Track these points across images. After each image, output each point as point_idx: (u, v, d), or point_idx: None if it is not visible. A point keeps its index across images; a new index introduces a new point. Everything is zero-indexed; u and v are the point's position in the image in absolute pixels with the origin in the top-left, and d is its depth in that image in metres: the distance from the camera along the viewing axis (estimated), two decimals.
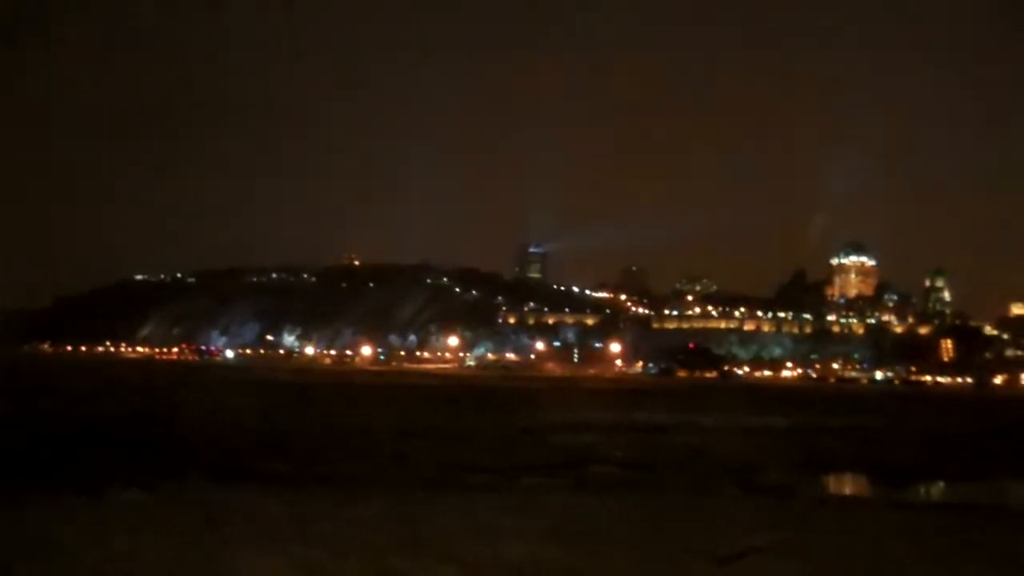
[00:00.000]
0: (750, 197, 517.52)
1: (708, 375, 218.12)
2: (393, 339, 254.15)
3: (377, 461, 23.93)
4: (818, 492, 22.90)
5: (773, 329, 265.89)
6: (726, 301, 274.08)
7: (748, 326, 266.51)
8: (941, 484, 24.40)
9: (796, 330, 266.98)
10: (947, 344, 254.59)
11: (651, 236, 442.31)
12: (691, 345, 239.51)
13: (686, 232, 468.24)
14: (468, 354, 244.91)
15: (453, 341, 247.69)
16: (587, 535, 13.66)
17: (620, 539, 13.51)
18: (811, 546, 13.51)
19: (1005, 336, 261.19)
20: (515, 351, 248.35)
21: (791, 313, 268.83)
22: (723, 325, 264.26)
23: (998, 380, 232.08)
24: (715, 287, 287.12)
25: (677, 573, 11.57)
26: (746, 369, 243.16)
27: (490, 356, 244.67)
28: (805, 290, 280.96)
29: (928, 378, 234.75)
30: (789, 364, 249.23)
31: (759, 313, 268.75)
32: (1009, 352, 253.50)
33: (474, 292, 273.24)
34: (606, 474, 23.00)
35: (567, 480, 21.71)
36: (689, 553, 12.52)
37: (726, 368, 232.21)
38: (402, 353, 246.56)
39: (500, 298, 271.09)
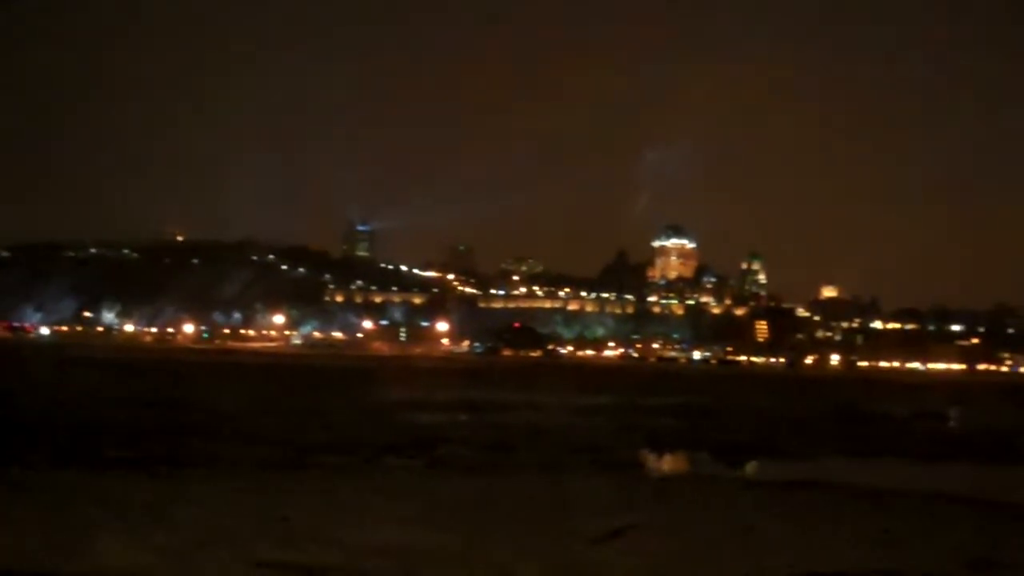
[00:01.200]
0: (574, 178, 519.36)
1: (533, 354, 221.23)
2: (217, 317, 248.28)
3: (230, 442, 23.20)
4: (667, 469, 23.34)
5: (596, 309, 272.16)
6: (551, 281, 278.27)
7: (572, 306, 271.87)
8: (777, 461, 25.20)
9: (619, 310, 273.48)
10: (761, 325, 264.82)
11: (478, 215, 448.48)
12: (516, 325, 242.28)
13: (512, 212, 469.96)
14: (294, 332, 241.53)
15: (279, 319, 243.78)
16: (458, 518, 13.56)
17: (492, 521, 13.47)
18: (681, 523, 13.77)
19: (816, 318, 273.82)
20: (342, 330, 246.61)
21: (614, 294, 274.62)
22: (548, 305, 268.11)
23: (808, 360, 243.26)
24: (541, 267, 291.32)
25: (555, 554, 11.56)
26: (570, 348, 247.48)
27: (316, 334, 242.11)
28: (627, 271, 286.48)
29: (743, 358, 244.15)
30: (612, 344, 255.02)
31: (583, 293, 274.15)
32: (820, 333, 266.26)
33: (301, 270, 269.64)
34: (458, 455, 22.83)
35: (421, 461, 21.50)
36: (563, 533, 12.55)
37: (551, 347, 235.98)
38: (226, 331, 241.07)
39: (327, 276, 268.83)
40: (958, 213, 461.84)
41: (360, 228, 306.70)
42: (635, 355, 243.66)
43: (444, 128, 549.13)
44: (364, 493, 15.59)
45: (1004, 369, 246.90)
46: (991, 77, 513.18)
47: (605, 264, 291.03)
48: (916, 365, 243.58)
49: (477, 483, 17.48)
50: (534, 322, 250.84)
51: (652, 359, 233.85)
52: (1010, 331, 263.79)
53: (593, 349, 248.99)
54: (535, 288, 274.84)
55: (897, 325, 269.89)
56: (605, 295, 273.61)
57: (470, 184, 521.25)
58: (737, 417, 40.70)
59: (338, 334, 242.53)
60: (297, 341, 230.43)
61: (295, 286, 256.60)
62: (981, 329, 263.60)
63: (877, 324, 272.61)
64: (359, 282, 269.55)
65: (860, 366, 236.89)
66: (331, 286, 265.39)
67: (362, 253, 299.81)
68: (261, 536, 11.84)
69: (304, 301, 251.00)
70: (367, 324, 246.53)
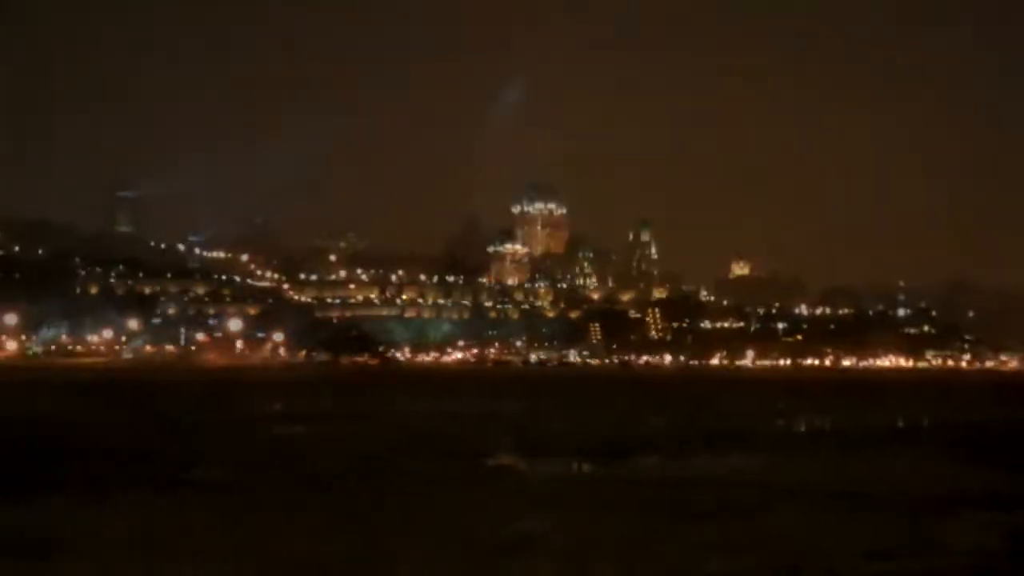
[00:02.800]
0: (409, 134, 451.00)
1: (372, 362, 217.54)
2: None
3: (114, 460, 22.63)
4: (549, 471, 23.78)
5: (440, 297, 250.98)
6: (377, 262, 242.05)
7: (410, 294, 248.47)
8: (650, 459, 26.03)
9: (468, 300, 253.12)
10: (595, 328, 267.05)
11: (275, 177, 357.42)
12: (352, 334, 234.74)
13: (322, 175, 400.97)
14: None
15: (107, 334, 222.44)
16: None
17: (416, 532, 13.68)
18: (586, 525, 14.28)
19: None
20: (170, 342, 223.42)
21: (450, 298, 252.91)
22: (384, 312, 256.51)
23: (642, 360, 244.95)
24: (365, 243, 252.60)
25: (471, 560, 11.82)
26: (407, 354, 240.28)
27: (148, 348, 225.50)
28: (463, 274, 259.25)
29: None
30: (460, 343, 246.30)
31: (420, 300, 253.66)
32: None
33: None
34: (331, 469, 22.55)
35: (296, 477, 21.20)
36: (472, 542, 12.86)
37: (388, 354, 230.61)
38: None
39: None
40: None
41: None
42: (489, 361, 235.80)
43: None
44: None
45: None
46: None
47: (450, 238, 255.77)
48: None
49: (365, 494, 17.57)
50: (369, 326, 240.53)
51: (490, 364, 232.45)
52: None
53: (437, 352, 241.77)
54: (358, 271, 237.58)
55: (724, 323, 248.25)
56: (442, 301, 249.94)
57: (268, 142, 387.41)
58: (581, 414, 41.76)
59: (170, 347, 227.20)
60: (128, 355, 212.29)
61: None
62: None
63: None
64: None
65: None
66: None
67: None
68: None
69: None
70: (200, 336, 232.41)
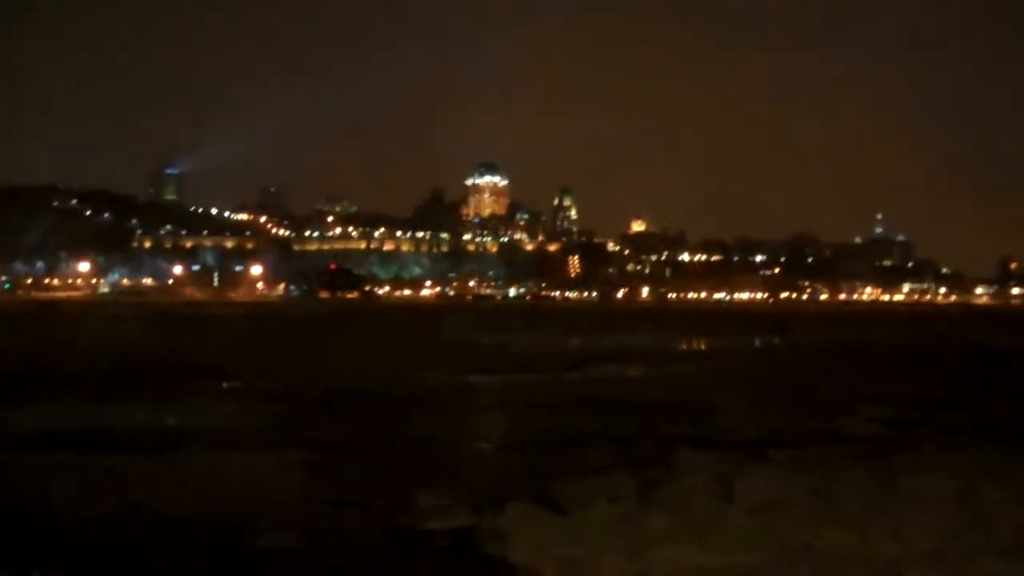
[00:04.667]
0: (388, 118, 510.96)
1: (350, 296, 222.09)
2: (18, 266, 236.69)
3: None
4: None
5: (412, 248, 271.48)
6: (366, 221, 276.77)
7: (388, 246, 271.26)
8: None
9: (434, 249, 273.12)
10: (573, 260, 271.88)
11: (290, 156, 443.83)
12: (332, 266, 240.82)
13: (325, 150, 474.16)
14: (102, 280, 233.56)
15: (84, 267, 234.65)
16: None
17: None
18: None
19: (626, 252, 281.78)
20: (152, 276, 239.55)
21: (429, 233, 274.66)
22: (363, 246, 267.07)
23: (619, 294, 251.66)
24: (355, 208, 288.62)
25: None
26: (387, 289, 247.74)
27: (125, 282, 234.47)
28: (442, 210, 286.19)
29: (556, 293, 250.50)
30: (428, 283, 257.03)
31: (398, 233, 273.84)
32: (629, 267, 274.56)
33: (106, 215, 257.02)
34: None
35: None
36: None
37: (368, 288, 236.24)
38: (29, 281, 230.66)
39: (135, 221, 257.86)
40: (757, 148, 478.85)
41: (168, 171, 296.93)
42: (451, 293, 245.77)
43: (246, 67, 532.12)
44: None
45: (804, 297, 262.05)
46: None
47: (419, 203, 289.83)
48: (722, 296, 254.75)
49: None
50: (349, 263, 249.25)
51: (469, 297, 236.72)
52: (809, 260, 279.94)
53: (410, 289, 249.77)
54: (350, 229, 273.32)
55: (703, 256, 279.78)
56: (420, 234, 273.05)
57: (281, 126, 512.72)
58: None
59: (148, 280, 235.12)
60: (105, 289, 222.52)
61: (100, 232, 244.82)
62: (783, 258, 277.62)
63: (684, 256, 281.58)
64: (168, 227, 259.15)
65: (670, 298, 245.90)
66: (139, 231, 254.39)
67: (170, 197, 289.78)
68: None
69: (110, 247, 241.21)
70: (177, 270, 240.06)
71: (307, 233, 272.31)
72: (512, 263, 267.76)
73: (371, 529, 11.65)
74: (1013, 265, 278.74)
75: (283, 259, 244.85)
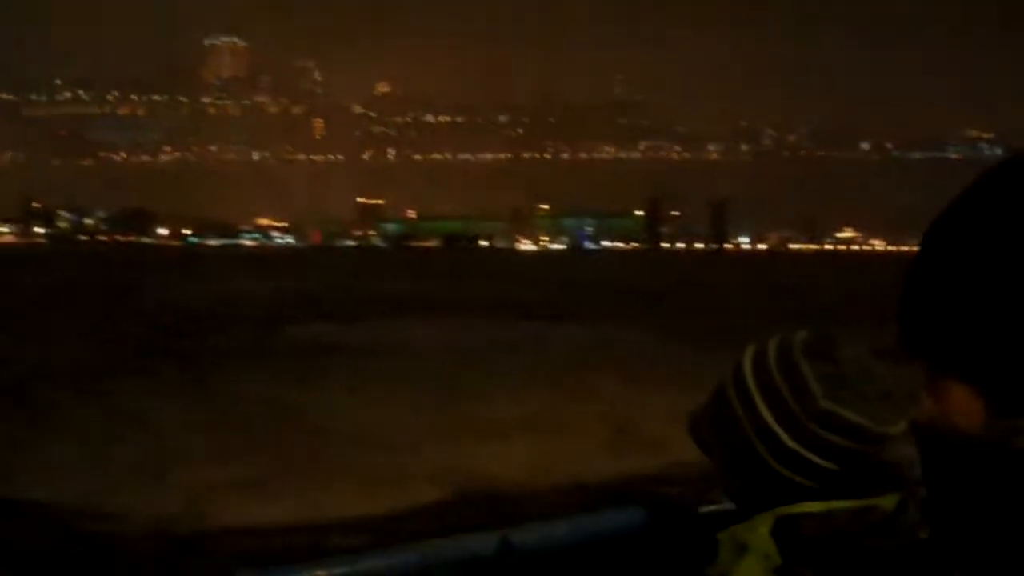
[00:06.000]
0: None
1: (84, 163, 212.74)
2: None
3: None
4: None
5: (147, 113, 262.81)
6: (99, 85, 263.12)
7: (122, 110, 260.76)
8: None
9: (173, 112, 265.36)
10: (319, 123, 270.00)
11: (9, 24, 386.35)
12: (62, 132, 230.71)
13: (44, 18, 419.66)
14: None
15: None
16: None
17: None
18: None
19: (372, 115, 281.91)
20: None
21: (167, 96, 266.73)
22: (95, 110, 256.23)
23: (366, 156, 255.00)
24: (90, 71, 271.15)
25: None
26: (123, 155, 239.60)
27: None
28: (179, 72, 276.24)
29: (302, 156, 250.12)
30: (167, 148, 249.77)
31: (134, 97, 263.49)
32: (376, 129, 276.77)
33: None
34: None
35: None
36: None
37: (101, 154, 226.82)
38: None
39: None
40: (501, 13, 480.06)
41: None
42: (193, 158, 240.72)
43: None
44: None
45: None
46: None
47: (155, 66, 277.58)
48: (467, 155, 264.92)
49: None
50: (82, 128, 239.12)
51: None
52: (551, 120, 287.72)
53: (149, 155, 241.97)
54: (80, 92, 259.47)
55: (448, 118, 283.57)
56: (156, 98, 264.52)
57: None
58: None
59: None
60: None
61: None
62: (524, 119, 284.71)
63: (429, 118, 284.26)
64: None
65: (416, 159, 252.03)
66: None
67: None
68: None
69: None
70: None
71: (33, 96, 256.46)
72: (254, 126, 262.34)
73: None
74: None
75: (9, 125, 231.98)
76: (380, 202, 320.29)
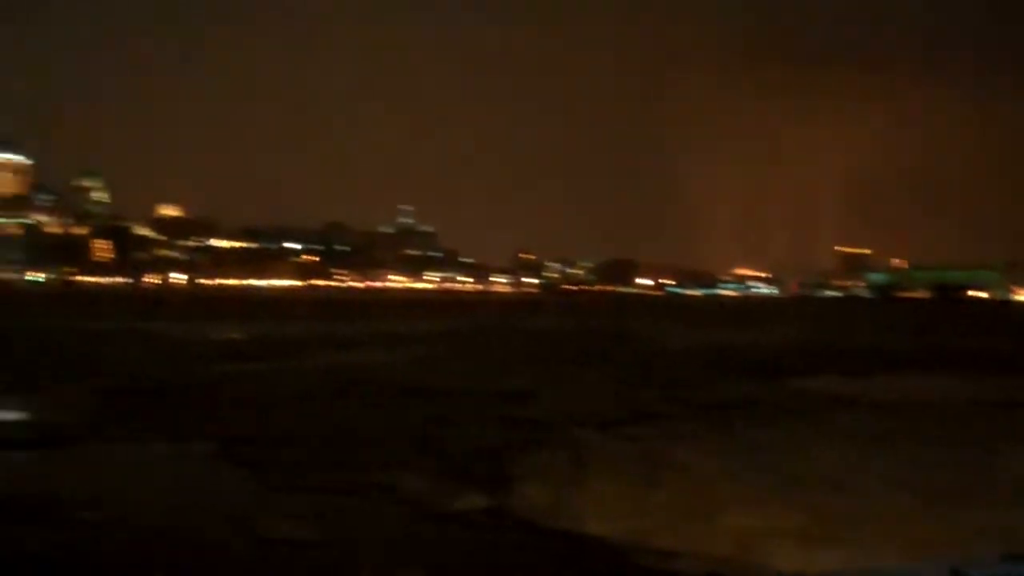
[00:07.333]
0: None
1: None
2: None
3: None
4: None
5: None
6: None
7: None
8: None
9: None
10: (102, 244, 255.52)
11: None
12: None
13: None
14: None
15: None
16: None
17: None
18: None
19: (160, 237, 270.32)
20: None
21: None
22: None
23: (150, 279, 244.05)
24: None
25: None
26: None
27: None
28: None
29: (86, 278, 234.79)
30: None
31: None
32: (163, 252, 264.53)
33: None
34: None
35: None
36: None
37: None
38: None
39: None
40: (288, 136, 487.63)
41: None
42: None
43: None
44: None
45: (338, 284, 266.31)
46: None
47: None
48: (256, 282, 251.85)
49: None
50: None
51: None
52: (343, 248, 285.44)
53: None
54: None
55: (238, 243, 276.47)
56: None
57: None
58: None
59: None
60: None
61: None
62: (317, 247, 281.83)
63: (219, 243, 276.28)
64: None
65: (204, 284, 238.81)
66: None
67: None
68: None
69: None
70: None
71: None
72: (34, 246, 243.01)
73: (397, 515, 11.85)
74: (523, 256, 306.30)
75: None
76: (866, 251, 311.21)
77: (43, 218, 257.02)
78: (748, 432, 17.17)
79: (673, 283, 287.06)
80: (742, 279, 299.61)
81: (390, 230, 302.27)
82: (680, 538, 10.40)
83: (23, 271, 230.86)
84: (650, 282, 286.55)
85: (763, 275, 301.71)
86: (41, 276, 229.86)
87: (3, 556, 9.91)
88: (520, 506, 11.69)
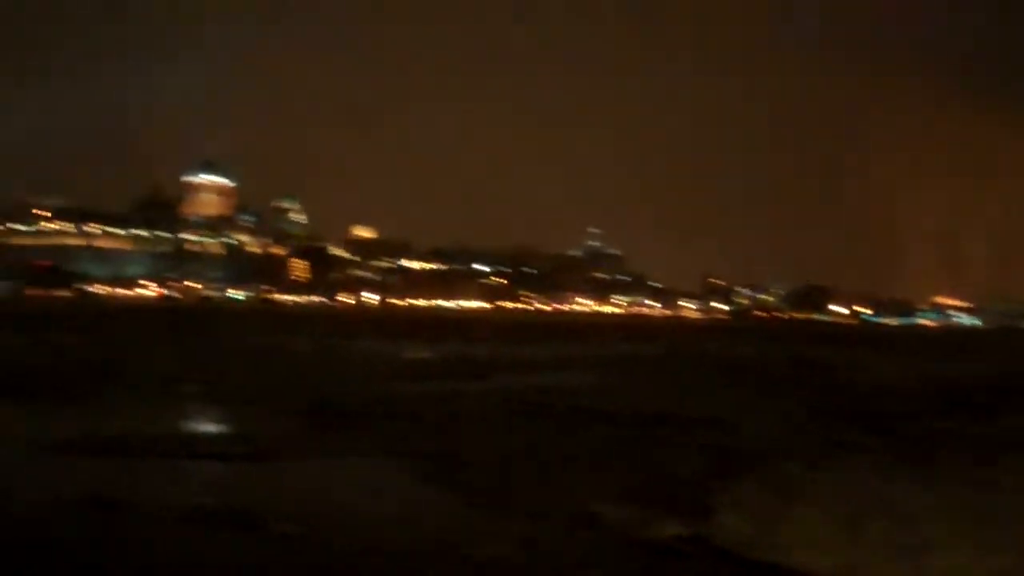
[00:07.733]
0: (86, 102, 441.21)
1: (61, 294, 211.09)
2: None
3: None
4: None
5: (130, 247, 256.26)
6: (80, 217, 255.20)
7: (105, 243, 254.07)
8: None
9: (153, 248, 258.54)
10: (298, 264, 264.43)
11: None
12: (44, 263, 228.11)
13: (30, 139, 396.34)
14: None
15: None
16: None
17: None
18: None
19: (353, 257, 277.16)
20: None
21: (148, 231, 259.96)
22: (76, 242, 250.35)
23: (344, 298, 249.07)
24: (63, 201, 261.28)
25: None
26: (99, 287, 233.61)
27: None
28: (160, 207, 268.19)
29: (283, 297, 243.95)
30: (146, 283, 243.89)
31: (117, 230, 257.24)
32: (356, 272, 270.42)
33: None
34: None
35: None
36: None
37: (79, 286, 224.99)
38: None
39: None
40: (480, 160, 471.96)
41: None
42: (178, 295, 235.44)
43: None
44: None
45: (526, 307, 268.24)
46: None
47: (135, 199, 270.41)
48: (445, 303, 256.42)
49: None
50: (62, 260, 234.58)
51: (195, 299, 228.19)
52: (530, 271, 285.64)
53: (126, 288, 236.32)
54: (64, 224, 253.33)
55: (429, 265, 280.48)
56: (140, 232, 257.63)
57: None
58: None
59: None
60: None
61: None
62: (505, 269, 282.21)
63: (411, 264, 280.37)
64: None
65: (395, 304, 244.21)
66: None
67: None
68: None
69: None
70: None
71: (17, 227, 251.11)
72: (235, 265, 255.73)
73: (597, 539, 11.75)
74: (711, 280, 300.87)
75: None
76: None
77: (244, 238, 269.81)
78: (958, 468, 16.45)
79: (868, 311, 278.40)
80: (942, 308, 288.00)
81: (578, 253, 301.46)
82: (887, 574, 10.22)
83: (224, 288, 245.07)
84: (844, 310, 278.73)
85: (965, 305, 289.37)
86: (241, 294, 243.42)
87: (206, 563, 10.28)
88: (723, 537, 11.46)
